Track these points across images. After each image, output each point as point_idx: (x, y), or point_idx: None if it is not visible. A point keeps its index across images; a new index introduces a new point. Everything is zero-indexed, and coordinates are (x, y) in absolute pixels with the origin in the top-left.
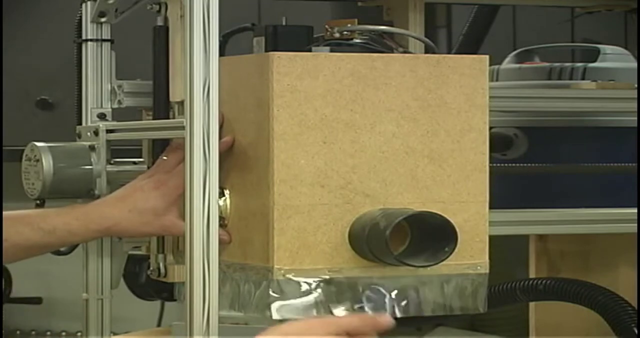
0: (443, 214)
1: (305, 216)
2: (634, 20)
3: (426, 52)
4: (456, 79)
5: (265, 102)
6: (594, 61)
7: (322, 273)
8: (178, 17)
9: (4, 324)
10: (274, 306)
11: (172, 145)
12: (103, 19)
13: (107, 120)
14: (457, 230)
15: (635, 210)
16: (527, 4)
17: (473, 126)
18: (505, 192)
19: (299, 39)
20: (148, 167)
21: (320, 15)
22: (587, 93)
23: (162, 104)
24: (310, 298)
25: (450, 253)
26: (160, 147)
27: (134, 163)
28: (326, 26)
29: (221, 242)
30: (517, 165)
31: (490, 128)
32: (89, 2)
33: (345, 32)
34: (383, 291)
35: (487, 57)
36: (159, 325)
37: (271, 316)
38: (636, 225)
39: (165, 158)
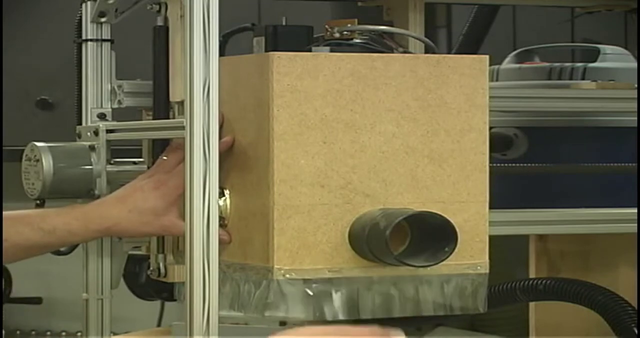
0: (443, 214)
1: (305, 216)
2: (634, 20)
3: (426, 52)
4: (456, 79)
5: (265, 102)
6: (594, 61)
7: (322, 273)
8: (178, 17)
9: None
10: (274, 306)
11: (172, 145)
12: (103, 19)
13: (107, 120)
14: (457, 230)
15: (635, 210)
16: (527, 4)
17: (473, 126)
18: (505, 192)
19: (299, 39)
20: (148, 167)
21: (320, 15)
22: (587, 93)
23: (162, 104)
24: (310, 298)
25: (450, 253)
26: (160, 147)
27: (134, 163)
28: (326, 26)
29: (221, 242)
30: (517, 165)
31: (490, 128)
32: (89, 2)
33: (345, 32)
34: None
35: (487, 57)
36: (159, 325)
37: (271, 316)
38: (636, 225)
39: (165, 158)
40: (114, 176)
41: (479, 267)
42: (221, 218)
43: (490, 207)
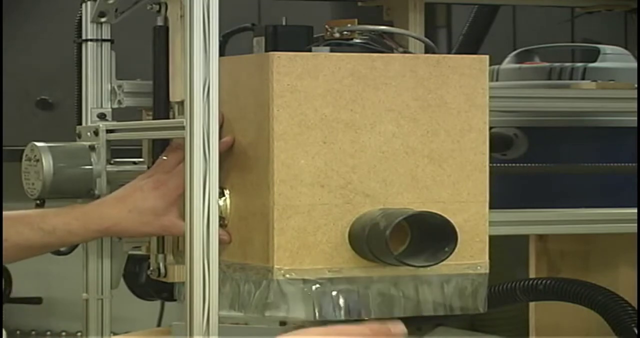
0: (443, 214)
1: (305, 216)
2: (634, 20)
3: (426, 52)
4: (456, 79)
5: (265, 102)
6: (594, 61)
7: (322, 273)
8: (178, 17)
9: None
10: (274, 306)
11: (172, 145)
12: (103, 19)
13: (107, 120)
14: (457, 230)
15: (635, 210)
16: (527, 4)
17: (473, 126)
18: (505, 192)
19: (299, 39)
20: (148, 167)
21: (320, 15)
22: (587, 93)
23: (162, 104)
24: (310, 298)
25: (450, 253)
26: (160, 147)
27: (134, 163)
28: (326, 26)
29: (221, 242)
30: (517, 165)
31: (490, 128)
32: (89, 2)
33: (345, 32)
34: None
35: (487, 57)
36: (159, 325)
37: (271, 316)
38: (636, 225)
39: (165, 158)
40: (114, 176)
41: (479, 267)
42: (221, 218)
43: (490, 207)
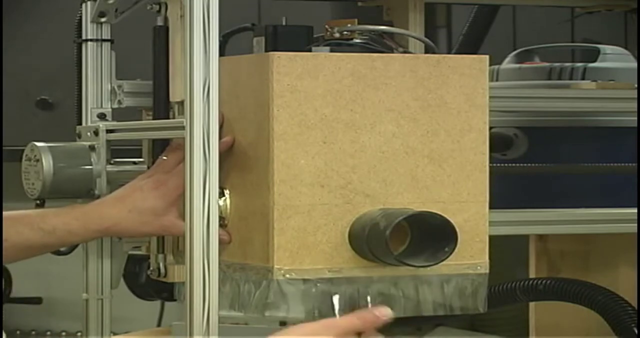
0: (443, 214)
1: (305, 216)
2: (634, 20)
3: (426, 52)
4: (456, 79)
5: (265, 102)
6: (594, 61)
7: (322, 273)
8: (178, 17)
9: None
10: (274, 306)
11: (172, 145)
12: (103, 19)
13: (107, 120)
14: (457, 230)
15: (635, 210)
16: (527, 4)
17: (473, 126)
18: (505, 192)
19: (299, 39)
20: (148, 167)
21: (320, 15)
22: (587, 93)
23: (162, 104)
24: (310, 298)
25: (450, 253)
26: (160, 147)
27: (134, 163)
28: (326, 26)
29: (221, 242)
30: (517, 165)
31: (490, 128)
32: (89, 2)
33: (345, 32)
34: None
35: (487, 57)
36: (159, 325)
37: (271, 316)
38: (636, 225)
39: (165, 158)
40: (114, 176)
41: (479, 267)
42: (221, 218)
43: (490, 207)
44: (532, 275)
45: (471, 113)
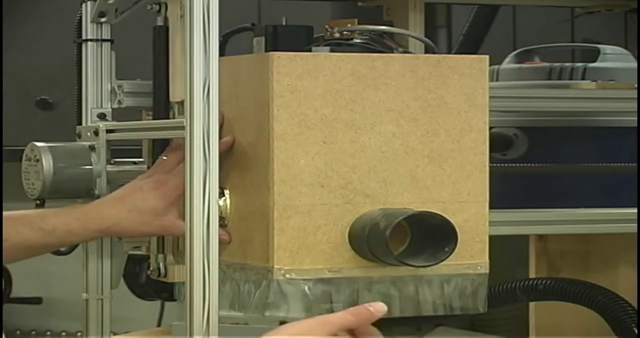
0: (443, 214)
1: (305, 216)
2: (634, 20)
3: (426, 52)
4: (456, 79)
5: (265, 102)
6: (594, 61)
7: (322, 273)
8: (178, 17)
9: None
10: (274, 306)
11: (172, 145)
12: (103, 19)
13: (107, 120)
14: (457, 230)
15: (635, 210)
16: (527, 4)
17: (473, 126)
18: (505, 192)
19: (299, 39)
20: (148, 167)
21: (320, 15)
22: (587, 93)
23: (162, 104)
24: (310, 298)
25: (450, 253)
26: (160, 147)
27: (134, 163)
28: (326, 26)
29: (221, 242)
30: (517, 165)
31: (490, 128)
32: (89, 2)
33: (345, 32)
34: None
35: (487, 57)
36: (159, 325)
37: (271, 316)
38: (636, 225)
39: (165, 158)
40: (114, 176)
41: (479, 267)
42: (221, 218)
43: (490, 207)
44: (532, 275)
45: (471, 113)
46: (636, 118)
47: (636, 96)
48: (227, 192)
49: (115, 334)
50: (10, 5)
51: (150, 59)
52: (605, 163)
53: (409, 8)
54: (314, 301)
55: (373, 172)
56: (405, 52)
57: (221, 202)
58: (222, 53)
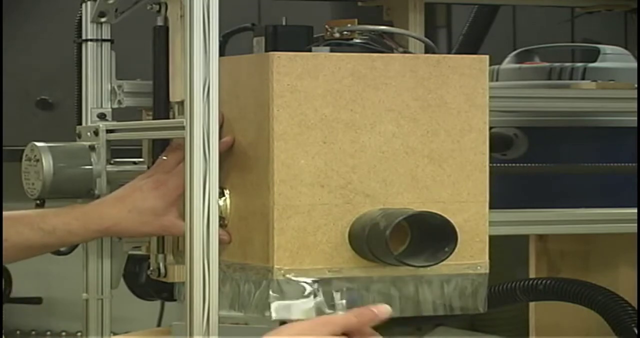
0: (443, 214)
1: (305, 216)
2: (634, 20)
3: (426, 52)
4: (456, 79)
5: (265, 102)
6: (594, 61)
7: (322, 273)
8: (178, 17)
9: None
10: (274, 306)
11: (172, 145)
12: (103, 19)
13: (107, 120)
14: (457, 230)
15: (635, 210)
16: (527, 4)
17: (473, 126)
18: (505, 192)
19: (299, 39)
20: (148, 167)
21: (320, 15)
22: (587, 93)
23: (162, 104)
24: (310, 298)
25: (450, 253)
26: (160, 147)
27: (134, 163)
28: (326, 26)
29: (221, 242)
30: (517, 165)
31: (490, 128)
32: (89, 2)
33: (345, 32)
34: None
35: (487, 57)
36: (159, 325)
37: (271, 316)
38: (636, 225)
39: (165, 158)
40: (114, 176)
41: (479, 267)
42: (221, 218)
43: (490, 207)
44: (532, 275)
45: (471, 113)
46: (636, 118)
47: (636, 96)
48: (227, 192)
49: (115, 334)
50: (10, 5)
51: (150, 59)
52: (605, 163)
53: (409, 8)
54: (313, 301)
55: (373, 172)
56: (405, 52)
57: (221, 202)
58: (222, 53)
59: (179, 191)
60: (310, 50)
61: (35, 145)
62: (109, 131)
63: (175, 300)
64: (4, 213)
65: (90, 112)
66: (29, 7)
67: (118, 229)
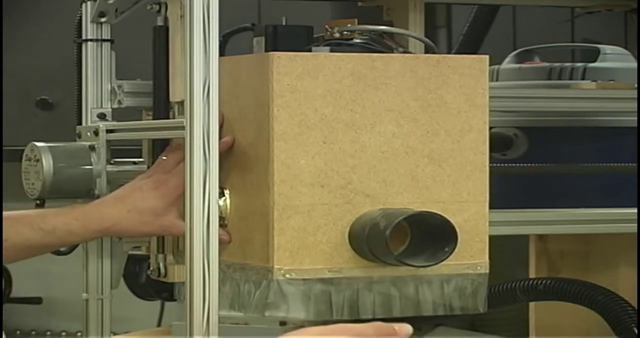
0: (443, 214)
1: (305, 216)
2: (634, 20)
3: (426, 52)
4: (456, 79)
5: (265, 102)
6: (594, 61)
7: (322, 273)
8: (178, 17)
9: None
10: (274, 306)
11: (172, 145)
12: (103, 19)
13: (107, 120)
14: (457, 230)
15: (635, 210)
16: (527, 4)
17: (473, 126)
18: (505, 192)
19: (299, 39)
20: (148, 167)
21: (320, 15)
22: (587, 93)
23: (162, 104)
24: (310, 298)
25: (450, 253)
26: (160, 147)
27: (134, 163)
28: (326, 26)
29: (221, 242)
30: (517, 165)
31: (490, 128)
32: (89, 2)
33: (345, 32)
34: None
35: (487, 57)
36: (159, 325)
37: (271, 316)
38: (636, 225)
39: (165, 158)
40: (114, 176)
41: (479, 267)
42: (221, 218)
43: (490, 207)
44: (532, 275)
45: (471, 113)
46: (636, 118)
47: (636, 96)
48: (227, 192)
49: (115, 334)
50: (10, 5)
51: (150, 59)
52: (605, 163)
53: (409, 8)
54: (313, 301)
55: (373, 172)
56: (405, 52)
57: (221, 202)
58: (222, 53)
59: (179, 191)
60: (310, 50)
61: (35, 145)
62: (109, 131)
63: (175, 300)
64: (4, 213)
65: (90, 112)
66: (29, 7)
67: (118, 229)
